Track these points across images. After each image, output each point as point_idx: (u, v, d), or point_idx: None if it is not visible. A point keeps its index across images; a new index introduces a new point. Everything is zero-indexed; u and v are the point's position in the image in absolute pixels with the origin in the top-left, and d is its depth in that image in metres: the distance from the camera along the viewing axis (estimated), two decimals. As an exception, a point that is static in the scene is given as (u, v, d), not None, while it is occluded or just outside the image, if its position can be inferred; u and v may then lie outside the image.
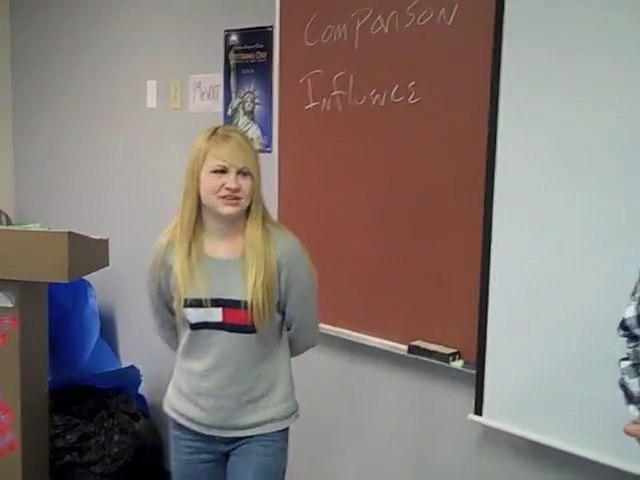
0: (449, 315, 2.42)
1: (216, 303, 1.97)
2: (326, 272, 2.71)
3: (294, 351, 2.17)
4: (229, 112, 3.11)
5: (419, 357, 2.47)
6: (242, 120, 3.06)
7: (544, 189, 2.12)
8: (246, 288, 1.93)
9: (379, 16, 2.51)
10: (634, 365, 1.43)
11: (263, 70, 2.94)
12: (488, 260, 2.25)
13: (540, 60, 2.10)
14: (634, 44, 1.91)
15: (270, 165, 2.86)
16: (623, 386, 1.44)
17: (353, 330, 2.68)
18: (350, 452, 2.87)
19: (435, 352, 2.42)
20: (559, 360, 2.12)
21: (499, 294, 2.24)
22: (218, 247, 2.01)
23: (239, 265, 1.96)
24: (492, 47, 2.18)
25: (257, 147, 2.93)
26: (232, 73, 3.07)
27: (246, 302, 1.93)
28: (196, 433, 2.07)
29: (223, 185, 1.91)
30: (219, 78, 3.12)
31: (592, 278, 2.04)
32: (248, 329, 1.97)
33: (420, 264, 2.48)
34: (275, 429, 2.05)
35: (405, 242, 2.51)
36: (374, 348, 2.63)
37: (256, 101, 3.00)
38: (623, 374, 1.45)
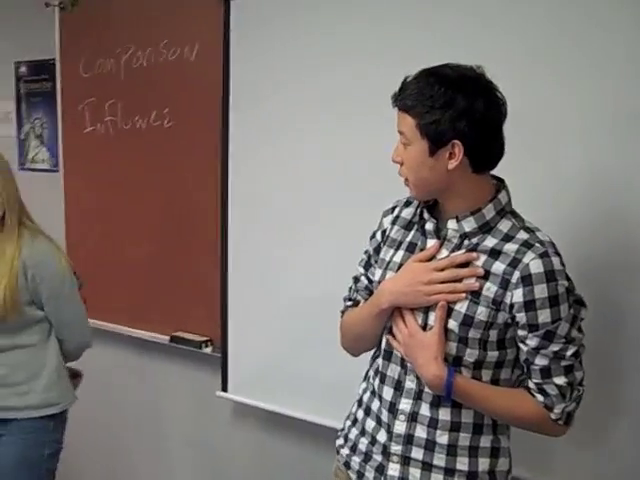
0: (201, 309, 2.82)
1: None
2: (102, 275, 3.07)
3: (69, 352, 2.40)
4: (22, 136, 3.43)
5: (178, 345, 2.85)
6: (34, 143, 3.38)
7: (271, 195, 2.52)
8: None
9: (139, 52, 2.91)
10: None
11: (49, 98, 3.27)
12: (226, 262, 2.66)
13: (261, 84, 2.51)
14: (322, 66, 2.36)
15: (57, 182, 3.25)
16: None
17: (123, 325, 3.06)
18: (129, 435, 3.22)
19: (191, 340, 2.82)
20: (287, 343, 2.52)
21: (236, 291, 2.66)
22: None
23: None
24: (222, 78, 2.61)
25: (46, 167, 3.31)
26: (23, 101, 3.40)
27: None
28: None
29: None
30: (11, 105, 3.44)
31: (310, 271, 2.44)
32: None
33: (177, 267, 2.87)
34: (31, 415, 2.29)
35: (165, 248, 2.91)
36: (141, 339, 3.01)
37: (44, 126, 3.33)
38: None
